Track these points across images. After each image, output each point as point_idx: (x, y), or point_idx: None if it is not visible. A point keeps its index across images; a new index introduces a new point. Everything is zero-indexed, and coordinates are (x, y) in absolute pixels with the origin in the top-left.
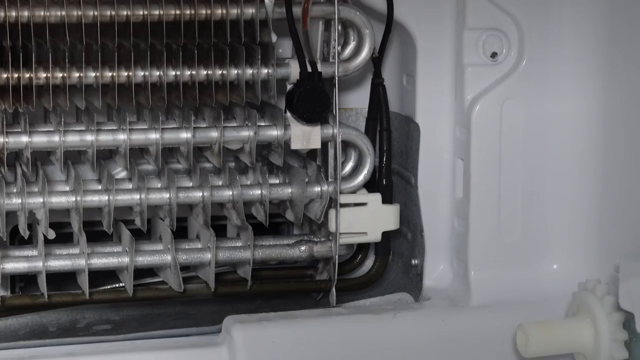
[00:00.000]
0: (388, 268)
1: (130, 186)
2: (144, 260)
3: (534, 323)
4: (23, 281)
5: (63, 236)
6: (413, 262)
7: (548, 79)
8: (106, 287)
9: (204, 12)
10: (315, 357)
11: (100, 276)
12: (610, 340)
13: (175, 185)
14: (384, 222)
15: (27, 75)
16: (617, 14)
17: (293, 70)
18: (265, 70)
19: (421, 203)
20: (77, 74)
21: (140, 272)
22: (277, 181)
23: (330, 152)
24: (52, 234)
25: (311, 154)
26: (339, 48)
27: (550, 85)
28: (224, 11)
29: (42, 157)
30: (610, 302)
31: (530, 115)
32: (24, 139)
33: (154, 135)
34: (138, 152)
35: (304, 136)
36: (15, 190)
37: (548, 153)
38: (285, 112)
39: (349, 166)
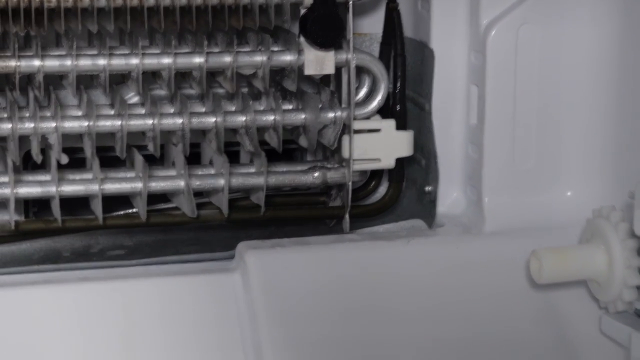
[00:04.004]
0: (401, 195)
1: (143, 111)
2: (157, 185)
3: (547, 249)
4: (36, 206)
5: (76, 161)
6: (426, 188)
7: (564, 3)
8: (119, 213)
9: None
10: (329, 283)
11: (113, 202)
12: (624, 266)
13: (188, 111)
14: (398, 149)
15: None
16: None
17: None
18: None
19: (435, 129)
20: None
21: (154, 198)
22: (291, 107)
23: (344, 77)
24: (65, 159)
25: (325, 79)
26: None
27: (566, 10)
28: None
29: (54, 81)
30: (624, 228)
31: (546, 41)
32: (36, 62)
33: (166, 60)
34: (150, 77)
35: (318, 61)
36: (27, 115)
37: (564, 79)
38: (299, 36)
39: (362, 92)
